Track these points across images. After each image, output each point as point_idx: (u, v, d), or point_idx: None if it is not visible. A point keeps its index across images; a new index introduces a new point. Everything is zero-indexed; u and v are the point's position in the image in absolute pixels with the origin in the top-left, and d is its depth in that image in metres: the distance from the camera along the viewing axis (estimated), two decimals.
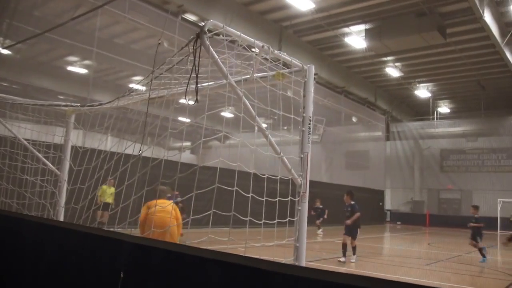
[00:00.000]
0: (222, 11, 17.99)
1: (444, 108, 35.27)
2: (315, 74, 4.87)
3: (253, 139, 4.37)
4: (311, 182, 4.62)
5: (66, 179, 6.87)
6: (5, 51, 17.16)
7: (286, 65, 4.64)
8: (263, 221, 4.15)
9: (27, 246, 3.27)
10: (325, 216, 19.73)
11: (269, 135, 4.29)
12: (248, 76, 4.48)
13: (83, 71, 22.71)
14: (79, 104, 7.15)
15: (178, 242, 5.83)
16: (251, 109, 4.05)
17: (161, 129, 5.14)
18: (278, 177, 4.35)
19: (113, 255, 2.48)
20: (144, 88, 5.69)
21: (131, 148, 4.39)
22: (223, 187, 3.91)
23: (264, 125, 4.51)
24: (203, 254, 1.93)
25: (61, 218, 6.59)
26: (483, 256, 12.29)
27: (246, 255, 1.85)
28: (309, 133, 4.50)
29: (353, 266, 10.36)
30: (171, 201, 6.00)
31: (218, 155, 4.35)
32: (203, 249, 1.98)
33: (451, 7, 18.97)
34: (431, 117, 35.07)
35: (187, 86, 3.78)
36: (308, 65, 4.57)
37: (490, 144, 32.37)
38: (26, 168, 7.03)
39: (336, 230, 10.87)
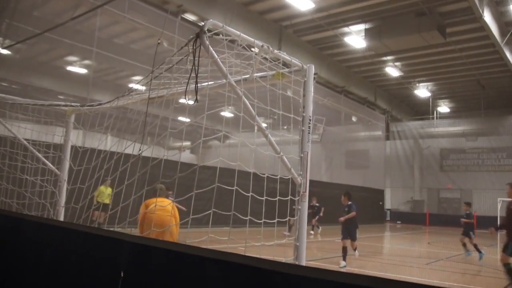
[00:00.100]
0: (221, 11, 17.99)
1: (444, 108, 35.28)
2: (315, 74, 4.87)
3: (253, 139, 4.37)
4: (311, 181, 4.62)
5: (66, 179, 6.87)
6: (5, 51, 17.16)
7: (285, 64, 4.64)
8: (263, 220, 4.15)
9: (27, 246, 3.27)
10: (321, 214, 19.49)
11: (269, 135, 4.29)
12: (248, 75, 4.48)
13: (83, 71, 22.69)
14: (78, 104, 7.15)
15: (177, 241, 5.84)
16: (251, 108, 4.05)
17: (161, 129, 5.14)
18: (278, 177, 4.36)
19: (113, 255, 2.48)
20: (143, 88, 5.69)
21: (131, 147, 4.39)
22: (223, 186, 3.91)
23: (264, 125, 4.51)
24: (203, 254, 1.93)
25: (61, 218, 6.59)
26: (479, 251, 12.36)
27: (246, 255, 1.85)
28: (309, 133, 4.50)
29: (354, 264, 10.35)
30: (170, 200, 5.99)
31: (218, 154, 4.36)
32: (203, 249, 1.98)
33: (450, 7, 18.96)
34: (431, 116, 35.08)
35: (186, 86, 3.79)
36: (308, 65, 4.58)
37: (490, 144, 32.38)
38: (26, 168, 7.03)
39: (336, 229, 10.80)
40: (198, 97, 3.85)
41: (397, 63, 26.30)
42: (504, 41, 20.77)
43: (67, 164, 6.96)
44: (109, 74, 24.77)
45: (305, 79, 4.56)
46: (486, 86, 28.90)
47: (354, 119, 31.22)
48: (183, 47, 3.84)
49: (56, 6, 17.42)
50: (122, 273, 2.32)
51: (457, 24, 20.15)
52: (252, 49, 4.30)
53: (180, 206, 9.87)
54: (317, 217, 19.28)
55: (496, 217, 24.09)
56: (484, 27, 18.73)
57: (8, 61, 18.68)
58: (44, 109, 7.27)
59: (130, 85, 6.77)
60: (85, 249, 2.71)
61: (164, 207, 5.60)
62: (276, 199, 4.29)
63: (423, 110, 35.70)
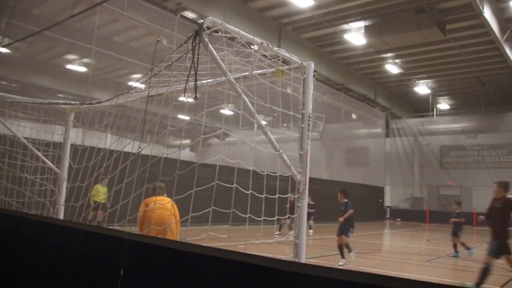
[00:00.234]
0: (221, 8, 17.96)
1: (443, 105, 35.27)
2: (314, 71, 4.87)
3: (252, 137, 4.36)
4: (310, 179, 4.62)
5: (66, 177, 6.87)
6: (4, 50, 17.15)
7: (285, 62, 4.63)
8: (263, 218, 4.15)
9: (27, 245, 3.27)
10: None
11: (269, 132, 4.28)
12: (247, 73, 4.47)
13: (82, 69, 22.68)
14: (78, 102, 7.15)
15: (178, 239, 5.84)
16: (251, 106, 4.04)
17: (160, 127, 5.14)
18: (277, 174, 4.35)
19: (113, 253, 2.48)
20: (143, 86, 5.68)
21: (131, 146, 4.39)
22: (223, 184, 3.90)
23: (263, 123, 4.51)
24: (203, 252, 1.93)
25: (61, 216, 6.59)
26: (468, 248, 12.41)
27: (246, 252, 1.85)
28: (309, 130, 4.49)
29: (353, 262, 10.36)
30: (169, 199, 5.97)
31: (217, 152, 4.35)
32: (203, 246, 1.98)
33: (450, 3, 18.93)
34: (430, 113, 35.09)
35: (186, 84, 3.78)
36: (307, 62, 4.57)
37: (490, 141, 32.40)
38: (25, 166, 7.03)
39: (336, 227, 10.76)
40: (198, 95, 3.84)
41: (397, 60, 26.29)
42: (504, 38, 20.75)
43: (66, 163, 6.96)
44: (109, 72, 24.74)
45: (305, 76, 4.56)
46: (486, 83, 28.89)
47: (354, 116, 31.22)
48: (182, 44, 3.83)
49: (55, 4, 17.39)
50: (121, 271, 2.32)
51: (457, 21, 20.12)
52: (252, 46, 4.29)
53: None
54: (312, 216, 18.57)
55: None
56: (484, 23, 18.70)
57: (7, 59, 18.68)
58: (44, 108, 7.26)
59: (130, 83, 6.77)
60: (85, 247, 2.71)
61: (164, 205, 5.60)
62: (276, 196, 4.29)
63: (423, 107, 35.71)
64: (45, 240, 3.09)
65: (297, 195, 4.42)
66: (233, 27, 3.95)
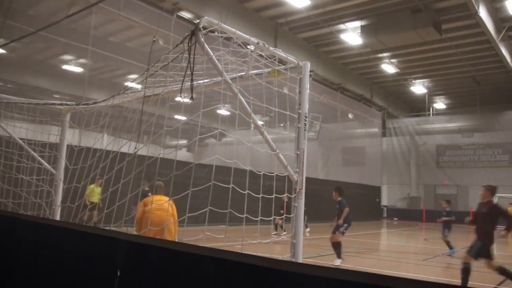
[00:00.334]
0: (217, 8, 17.95)
1: (440, 104, 35.36)
2: (311, 71, 4.87)
3: (249, 137, 4.36)
4: (307, 179, 4.62)
5: (62, 178, 6.85)
6: (0, 50, 17.08)
7: (281, 62, 4.63)
8: (260, 218, 4.15)
9: (23, 246, 3.25)
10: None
11: (265, 132, 4.28)
12: (244, 73, 4.47)
13: (78, 69, 22.62)
14: (74, 103, 7.13)
15: (176, 239, 5.83)
16: (247, 106, 4.04)
17: (157, 127, 5.12)
18: (274, 174, 4.36)
19: (109, 254, 2.47)
20: (139, 86, 5.67)
21: (127, 146, 4.38)
22: (219, 184, 3.90)
23: (260, 123, 4.51)
24: (200, 252, 1.93)
25: (57, 217, 6.57)
26: (451, 248, 12.45)
27: (243, 252, 1.85)
28: (305, 130, 4.50)
29: (352, 261, 10.36)
30: (168, 198, 5.95)
31: (214, 152, 4.34)
32: (200, 247, 1.97)
33: (446, 3, 18.99)
34: (427, 113, 35.19)
35: (182, 84, 3.77)
36: (304, 62, 4.57)
37: (486, 140, 32.51)
38: (21, 167, 7.00)
39: (331, 227, 10.69)
40: (194, 95, 3.84)
41: (393, 60, 26.35)
42: (500, 37, 20.83)
43: (63, 163, 6.94)
44: (105, 72, 24.70)
45: (301, 76, 4.56)
46: (481, 82, 28.99)
47: (350, 116, 31.27)
48: (178, 44, 3.83)
49: (51, 5, 17.35)
50: (118, 272, 2.31)
51: (453, 21, 20.18)
52: (248, 46, 4.29)
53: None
54: (305, 216, 18.05)
55: (505, 210, 24.22)
56: (480, 23, 18.76)
57: (3, 60, 18.62)
58: (39, 108, 7.24)
59: (126, 84, 6.76)
60: (81, 248, 2.70)
61: (163, 205, 5.58)
62: (273, 196, 4.29)
63: (419, 107, 35.80)
64: (42, 241, 3.07)
65: (294, 195, 4.42)
66: (229, 27, 3.95)
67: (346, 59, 26.62)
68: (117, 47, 19.83)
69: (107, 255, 2.49)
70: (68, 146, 7.04)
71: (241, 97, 3.97)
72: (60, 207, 6.68)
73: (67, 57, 22.36)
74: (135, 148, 4.20)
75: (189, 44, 3.60)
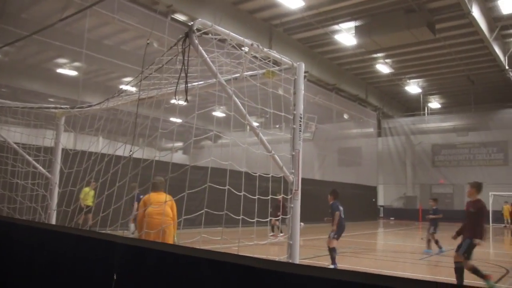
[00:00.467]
0: (211, 10, 17.94)
1: (434, 104, 35.50)
2: (306, 72, 4.88)
3: (244, 138, 4.36)
4: (303, 179, 4.62)
5: (57, 182, 6.82)
6: None
7: (276, 63, 4.64)
8: (256, 219, 4.15)
9: (19, 251, 3.24)
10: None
11: (260, 134, 4.28)
12: (238, 75, 4.47)
13: (73, 73, 22.54)
14: (68, 106, 7.10)
15: (175, 240, 5.82)
16: (242, 107, 4.04)
17: (152, 130, 5.11)
18: (270, 175, 4.35)
19: (106, 257, 2.46)
20: (135, 89, 5.66)
21: (122, 149, 4.36)
22: (215, 186, 3.89)
23: (255, 124, 4.51)
24: (197, 254, 1.93)
25: (53, 221, 6.54)
26: (428, 248, 12.54)
27: (240, 254, 1.85)
28: (300, 131, 4.50)
29: (348, 261, 10.38)
30: (168, 196, 5.85)
31: (210, 155, 4.33)
32: (197, 249, 1.97)
33: (439, 3, 19.08)
34: (422, 112, 35.32)
35: (176, 86, 3.77)
36: (298, 63, 4.58)
37: (481, 138, 32.66)
38: (16, 171, 6.96)
39: (327, 228, 10.59)
40: (189, 97, 3.83)
41: (388, 60, 26.43)
42: (493, 37, 20.94)
43: (58, 167, 6.91)
44: (100, 75, 24.62)
45: (295, 77, 4.56)
46: (475, 81, 29.13)
47: (345, 116, 31.32)
48: (172, 46, 3.82)
49: (45, 8, 17.28)
50: (115, 275, 2.31)
51: (446, 20, 20.27)
52: (243, 48, 4.29)
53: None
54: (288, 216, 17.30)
55: (488, 211, 24.30)
56: (473, 22, 18.85)
57: None
58: (34, 112, 7.21)
59: (121, 87, 6.74)
60: (78, 252, 2.69)
61: (163, 206, 5.55)
62: (269, 197, 4.29)
63: (414, 106, 35.92)
64: (38, 245, 3.06)
65: (290, 196, 4.42)
66: (222, 29, 3.95)
67: (341, 60, 26.68)
68: (112, 50, 19.76)
69: (103, 259, 2.49)
70: (63, 149, 7.01)
71: (235, 98, 3.97)
72: (55, 211, 6.64)
73: (61, 60, 22.27)
74: (130, 151, 4.19)
75: (183, 46, 3.60)
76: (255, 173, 4.31)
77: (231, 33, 4.00)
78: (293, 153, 4.45)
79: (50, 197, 6.70)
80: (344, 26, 21.38)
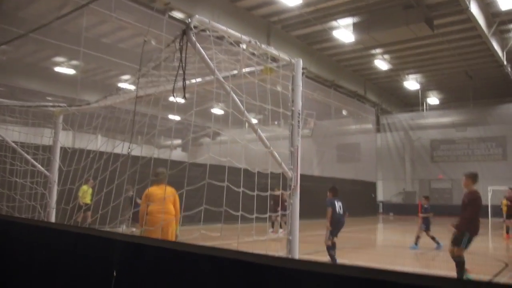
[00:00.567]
0: (209, 8, 17.91)
1: (433, 99, 35.50)
2: (304, 69, 4.88)
3: (243, 135, 4.36)
4: (302, 176, 4.62)
5: (56, 180, 6.82)
6: None
7: (274, 60, 4.63)
8: (255, 215, 4.15)
9: (18, 249, 3.24)
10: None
11: (259, 130, 4.28)
12: (236, 71, 4.47)
13: (70, 71, 22.52)
14: (66, 105, 7.09)
15: (177, 233, 5.82)
16: (240, 104, 4.04)
17: (150, 128, 5.11)
18: (268, 171, 4.36)
19: (105, 254, 2.46)
20: (133, 87, 5.65)
21: (120, 147, 4.36)
22: (214, 182, 3.89)
23: (254, 121, 4.51)
24: (196, 250, 1.92)
25: (53, 219, 6.54)
26: (415, 243, 12.54)
27: (239, 250, 1.85)
28: (299, 127, 4.50)
29: (348, 256, 10.39)
30: (172, 192, 5.79)
31: (209, 152, 4.33)
32: (196, 245, 1.97)
33: None
34: (420, 108, 35.31)
35: (174, 83, 3.76)
36: (296, 59, 4.57)
37: (479, 133, 32.68)
38: (15, 170, 6.96)
39: (325, 223, 10.50)
40: (187, 95, 3.83)
41: (386, 56, 26.42)
42: (491, 32, 20.94)
43: (56, 165, 6.91)
44: (98, 74, 24.60)
45: (294, 73, 4.56)
46: (474, 76, 29.13)
47: (344, 112, 31.33)
48: (170, 44, 3.82)
49: (41, 7, 17.24)
50: (114, 272, 2.31)
51: (444, 16, 20.26)
52: (241, 45, 4.29)
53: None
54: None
55: (487, 205, 24.36)
56: (471, 18, 18.86)
57: None
58: (32, 111, 7.20)
59: (119, 85, 6.74)
60: (77, 249, 2.69)
61: (166, 207, 5.54)
62: (268, 193, 4.29)
63: (412, 102, 35.91)
64: (37, 244, 3.06)
65: (289, 192, 4.42)
66: (220, 26, 3.94)
67: (339, 56, 26.66)
68: (110, 48, 19.73)
69: (103, 256, 2.49)
70: (61, 148, 7.01)
71: (234, 95, 3.97)
72: (54, 209, 6.64)
73: (59, 59, 22.24)
74: (129, 148, 4.19)
75: (181, 44, 3.59)
76: (254, 170, 4.31)
77: (228, 29, 3.99)
78: (292, 149, 4.46)
79: (49, 195, 6.70)
80: (342, 23, 21.35)
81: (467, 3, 17.32)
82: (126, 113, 5.50)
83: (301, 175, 4.52)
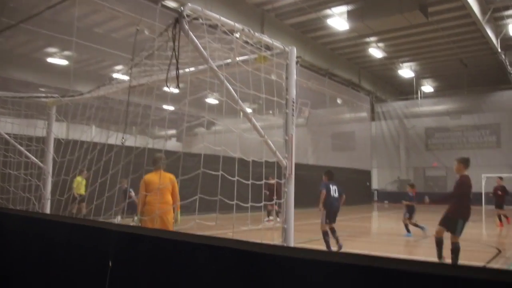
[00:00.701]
0: None
1: (427, 87, 35.53)
2: (298, 57, 4.86)
3: (238, 124, 4.35)
4: (297, 164, 4.62)
5: (50, 172, 6.79)
6: None
7: (268, 48, 4.61)
8: (250, 204, 4.16)
9: (13, 241, 3.23)
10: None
11: (253, 119, 4.27)
12: (230, 60, 4.44)
13: (63, 62, 22.33)
14: (59, 95, 7.04)
15: (179, 218, 5.83)
16: (234, 93, 4.02)
17: (144, 118, 5.09)
18: (263, 160, 4.36)
19: (101, 245, 2.46)
20: (127, 77, 5.61)
21: (114, 137, 4.34)
22: (208, 171, 3.88)
23: (249, 110, 4.49)
24: (192, 240, 1.93)
25: (47, 211, 6.53)
26: (408, 231, 12.69)
27: (235, 239, 1.85)
28: (293, 115, 4.49)
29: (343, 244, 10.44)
30: (171, 178, 5.75)
31: (203, 142, 4.32)
32: (191, 235, 1.97)
33: None
34: (415, 96, 35.32)
35: (167, 72, 3.74)
36: (290, 47, 4.55)
37: (474, 121, 32.79)
38: (8, 162, 6.92)
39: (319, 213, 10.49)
40: (181, 84, 3.80)
41: (380, 44, 26.36)
42: (485, 19, 20.90)
43: (50, 157, 6.88)
44: (91, 64, 24.41)
45: (288, 61, 4.54)
46: (468, 64, 29.15)
47: (339, 101, 31.28)
48: (162, 32, 3.79)
49: None
50: (110, 263, 2.31)
51: (439, 3, 20.20)
52: (234, 33, 4.26)
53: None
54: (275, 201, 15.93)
55: (481, 193, 24.52)
56: (465, 5, 18.80)
57: None
58: (24, 102, 7.14)
59: (113, 75, 6.69)
60: (72, 240, 2.69)
61: (164, 198, 5.53)
62: (262, 182, 4.30)
63: (407, 90, 35.93)
64: (32, 235, 3.06)
65: (284, 180, 4.43)
66: (213, 14, 3.90)
67: (334, 45, 26.57)
68: (102, 38, 19.56)
69: (98, 247, 2.48)
70: (55, 139, 6.97)
71: (227, 84, 3.95)
72: (49, 200, 6.63)
73: (51, 49, 22.03)
74: (122, 138, 4.17)
75: (173, 32, 3.56)
76: (249, 159, 4.31)
77: (222, 18, 3.96)
78: (286, 138, 4.45)
79: (43, 186, 6.68)
80: (336, 11, 21.24)
81: None
82: (120, 104, 5.47)
83: (296, 164, 4.52)
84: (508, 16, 22.05)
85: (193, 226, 3.62)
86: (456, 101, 33.26)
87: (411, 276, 1.23)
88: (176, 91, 3.87)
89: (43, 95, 7.20)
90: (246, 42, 4.41)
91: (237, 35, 4.26)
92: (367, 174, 33.91)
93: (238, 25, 4.08)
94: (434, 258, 8.27)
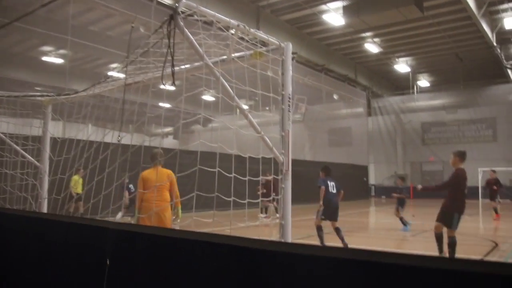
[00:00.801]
0: None
1: (423, 82, 35.58)
2: (294, 53, 4.85)
3: (234, 121, 4.34)
4: (294, 160, 4.62)
5: (47, 171, 6.77)
6: None
7: (264, 45, 4.60)
8: (247, 200, 4.15)
9: (11, 240, 3.22)
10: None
11: (250, 115, 4.26)
12: (225, 56, 4.43)
13: (58, 60, 22.23)
14: (54, 94, 7.01)
15: (179, 214, 5.82)
16: (230, 89, 4.01)
17: (140, 115, 5.07)
18: (260, 156, 4.35)
19: (98, 243, 2.46)
20: (123, 75, 5.59)
21: (110, 136, 4.33)
22: (205, 168, 3.87)
23: (245, 107, 4.49)
24: (190, 237, 1.92)
25: (44, 210, 6.51)
26: (404, 224, 12.75)
27: (233, 235, 1.85)
28: (289, 111, 4.49)
29: (339, 241, 10.46)
30: (169, 174, 5.73)
31: (200, 139, 4.32)
32: (189, 232, 1.97)
33: None
34: (411, 91, 35.38)
35: (163, 69, 3.72)
36: (285, 43, 4.54)
37: (470, 115, 32.88)
38: (4, 161, 6.89)
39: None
40: (177, 82, 3.79)
41: (376, 39, 26.36)
42: (481, 13, 20.92)
43: (47, 156, 6.86)
44: (86, 62, 24.32)
45: (283, 57, 4.53)
46: (464, 58, 29.20)
47: (335, 97, 31.29)
48: (157, 29, 3.77)
49: None
50: (108, 261, 2.30)
51: None
52: (230, 30, 4.24)
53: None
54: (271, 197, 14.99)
55: (477, 187, 24.62)
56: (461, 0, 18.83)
57: None
58: (20, 101, 7.11)
59: (108, 73, 6.66)
60: (70, 239, 2.68)
61: (162, 195, 5.51)
62: (259, 178, 4.30)
63: (403, 85, 35.98)
64: (30, 234, 3.05)
65: (281, 177, 4.43)
66: (208, 10, 3.89)
67: (329, 40, 26.55)
68: (98, 36, 19.48)
69: (95, 245, 2.48)
70: (51, 138, 6.94)
71: (223, 81, 3.94)
72: (46, 199, 6.61)
73: (46, 48, 21.93)
74: (119, 136, 4.16)
75: (168, 29, 3.54)
76: (245, 155, 4.30)
77: (217, 14, 3.94)
78: (283, 134, 4.45)
79: (40, 186, 6.66)
80: (332, 6, 21.21)
81: None
82: (116, 102, 5.45)
83: (293, 159, 4.52)
84: (504, 10, 22.07)
85: (191, 223, 3.62)
86: (452, 95, 33.33)
87: (409, 270, 1.23)
88: (172, 88, 3.85)
89: (39, 94, 7.16)
90: (242, 39, 4.40)
91: (233, 31, 4.25)
92: (364, 170, 33.98)
93: (233, 21, 4.06)
94: (431, 252, 8.32)
